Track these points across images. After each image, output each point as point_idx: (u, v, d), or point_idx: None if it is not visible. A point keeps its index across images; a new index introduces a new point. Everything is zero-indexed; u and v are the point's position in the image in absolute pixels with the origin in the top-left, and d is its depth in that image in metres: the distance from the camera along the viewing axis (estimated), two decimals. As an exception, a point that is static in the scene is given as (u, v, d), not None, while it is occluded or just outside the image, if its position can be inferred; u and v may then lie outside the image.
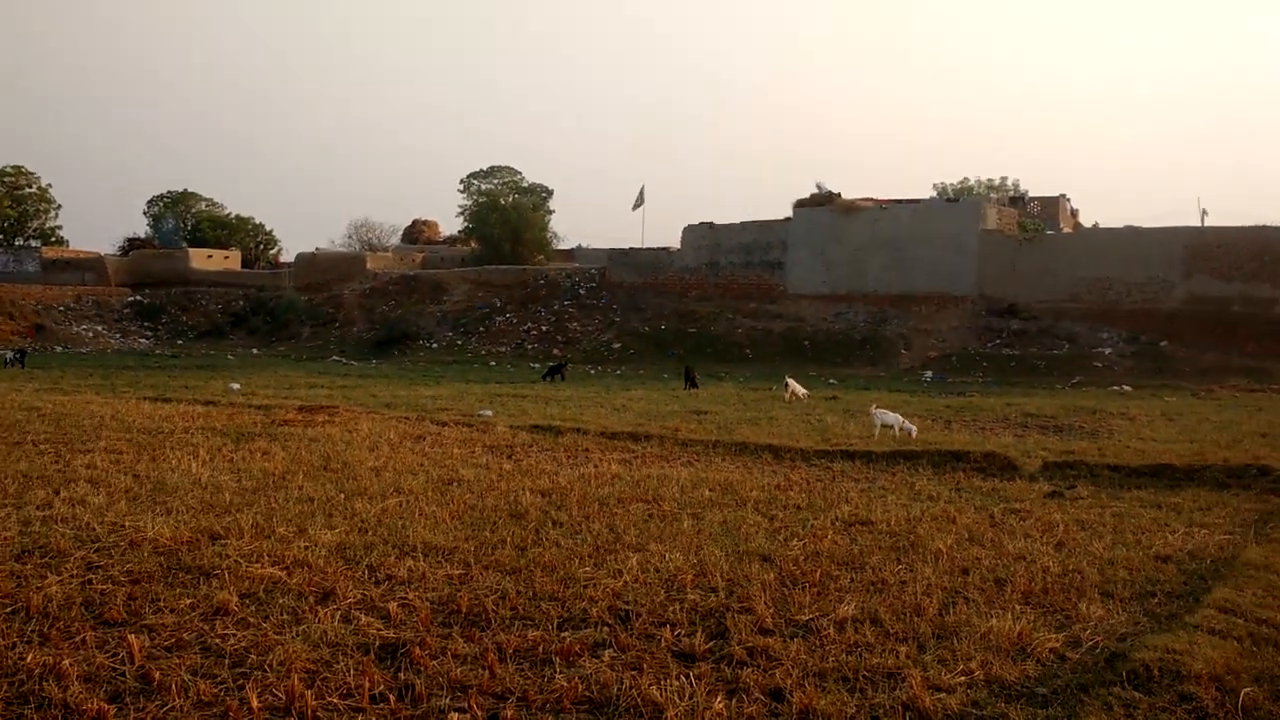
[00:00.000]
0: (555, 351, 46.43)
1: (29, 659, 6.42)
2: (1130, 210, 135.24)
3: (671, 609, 7.71)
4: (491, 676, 6.36)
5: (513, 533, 10.04)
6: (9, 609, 7.48)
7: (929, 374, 38.62)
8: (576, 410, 22.31)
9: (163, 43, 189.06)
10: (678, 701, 6.00)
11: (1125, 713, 5.86)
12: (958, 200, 50.86)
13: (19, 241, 77.46)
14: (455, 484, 12.78)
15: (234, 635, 7.01)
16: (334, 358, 47.82)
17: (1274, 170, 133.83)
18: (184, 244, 76.28)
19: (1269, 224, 39.94)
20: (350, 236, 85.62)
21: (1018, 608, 7.85)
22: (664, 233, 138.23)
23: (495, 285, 55.84)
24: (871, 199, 48.29)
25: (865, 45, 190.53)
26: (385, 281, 58.73)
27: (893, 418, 18.26)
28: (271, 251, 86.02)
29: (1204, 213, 49.44)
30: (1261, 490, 13.35)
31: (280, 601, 7.72)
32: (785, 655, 6.78)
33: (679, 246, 52.27)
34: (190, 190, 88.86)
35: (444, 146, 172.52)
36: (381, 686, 6.20)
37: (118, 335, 56.29)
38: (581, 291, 53.64)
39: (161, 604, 7.65)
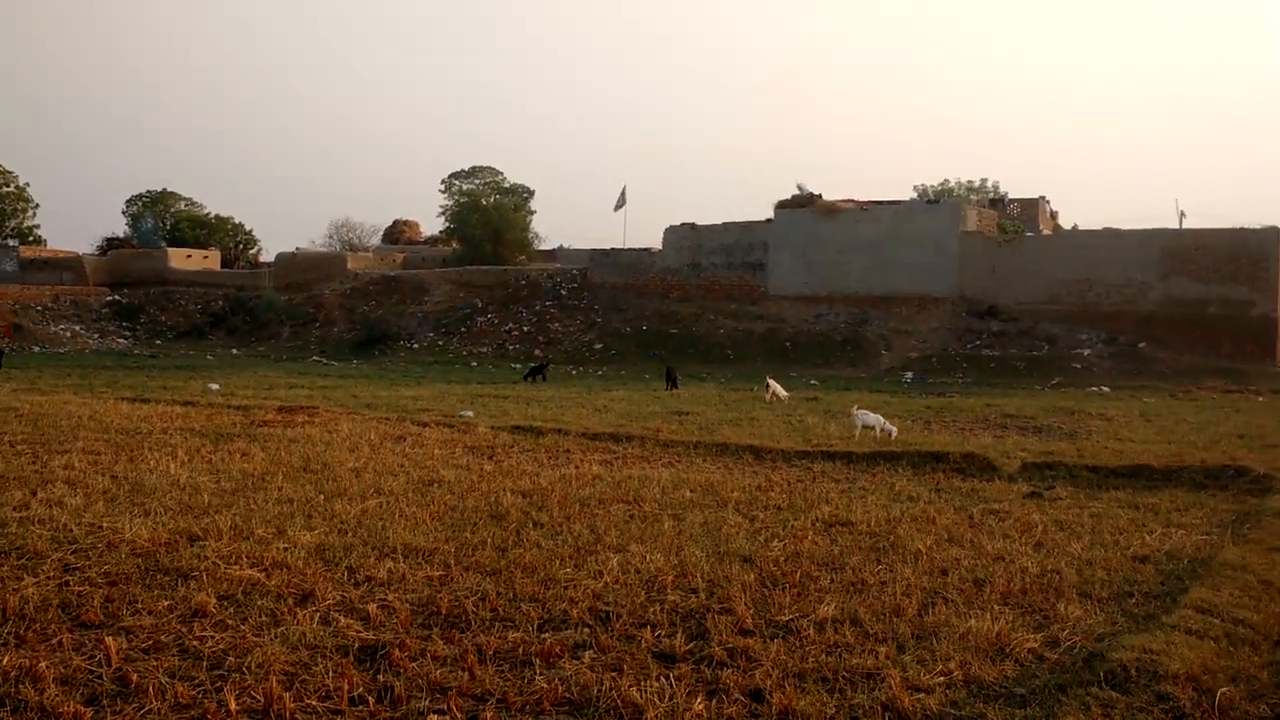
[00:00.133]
0: (537, 352, 46.39)
1: (5, 661, 6.37)
2: (1109, 212, 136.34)
3: (652, 610, 7.71)
4: (471, 678, 6.35)
5: (493, 534, 10.03)
6: (-15, 611, 7.42)
7: (909, 375, 38.76)
8: (558, 411, 22.29)
9: (142, 41, 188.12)
10: (658, 703, 6.00)
11: (1103, 713, 5.89)
12: (938, 202, 51.03)
13: (-4, 241, 76.92)
14: (436, 485, 12.75)
15: (212, 637, 6.98)
16: (314, 358, 47.65)
17: (1251, 172, 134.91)
18: (163, 244, 75.82)
19: (1245, 226, 40.21)
20: (331, 236, 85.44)
21: (996, 608, 7.88)
22: (646, 233, 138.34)
23: (477, 286, 55.74)
24: (852, 200, 48.43)
25: (846, 46, 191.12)
26: (366, 282, 58.55)
27: (874, 419, 18.32)
28: (251, 251, 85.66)
29: (1182, 215, 49.66)
30: (1238, 491, 13.45)
31: (259, 603, 7.69)
32: (765, 656, 6.79)
33: (660, 247, 52.28)
34: (169, 190, 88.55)
35: (425, 146, 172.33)
36: (361, 688, 6.18)
37: (96, 335, 55.93)
38: (563, 292, 53.60)
39: (139, 606, 7.61)
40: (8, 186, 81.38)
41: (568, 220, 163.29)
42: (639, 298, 50.88)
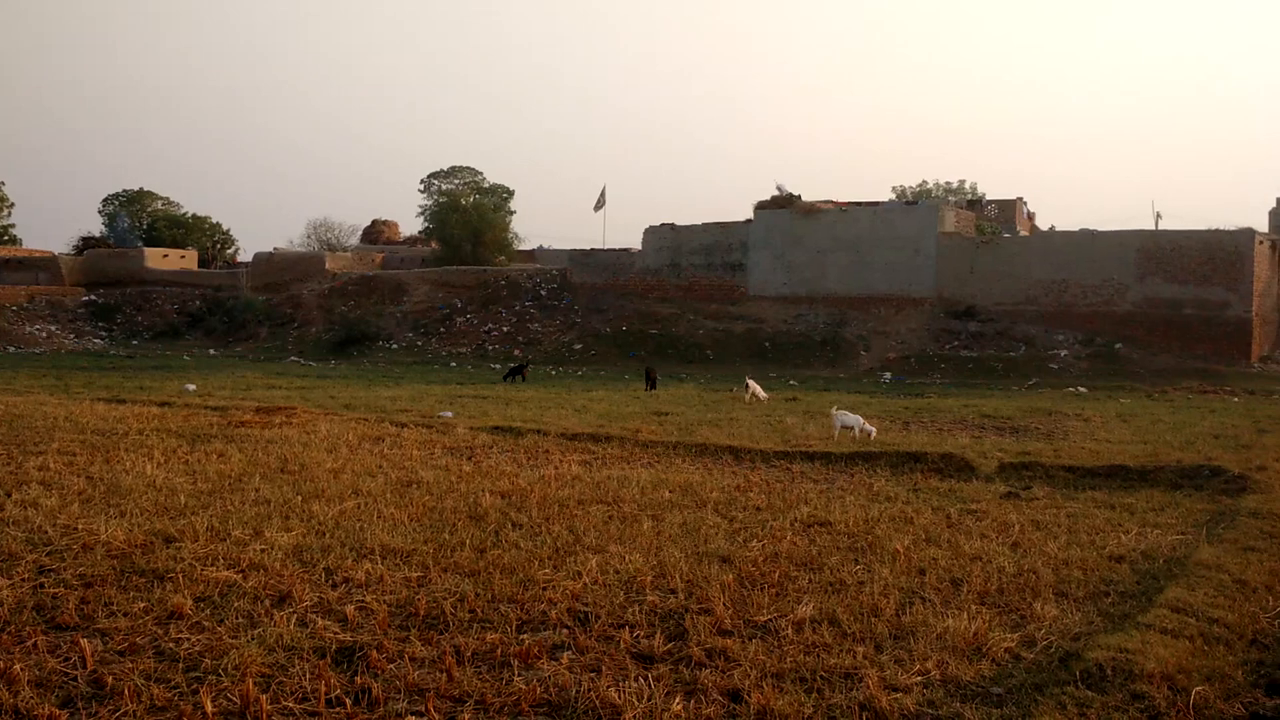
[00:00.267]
0: (516, 352, 46.31)
1: (-22, 664, 6.33)
2: (1086, 213, 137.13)
3: (631, 611, 7.72)
4: (449, 679, 6.34)
5: (472, 535, 10.02)
6: (-42, 614, 7.36)
7: (888, 375, 38.87)
8: (537, 411, 22.26)
9: (118, 39, 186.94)
10: (636, 703, 6.01)
11: (1079, 712, 5.93)
12: (916, 203, 51.11)
13: (-30, 241, 76.27)
14: (414, 486, 12.73)
15: (188, 639, 6.95)
16: (292, 358, 47.43)
17: (1226, 174, 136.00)
18: (139, 243, 75.33)
19: (1221, 227, 40.50)
20: (309, 236, 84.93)
21: (974, 608, 7.92)
22: (625, 234, 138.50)
23: (456, 286, 55.57)
24: (831, 201, 48.53)
25: (826, 48, 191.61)
26: (344, 282, 58.30)
27: (853, 419, 18.36)
28: (229, 251, 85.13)
29: (1158, 216, 50.18)
30: (1214, 491, 13.53)
31: (235, 605, 7.67)
32: (743, 656, 6.81)
33: (640, 248, 52.27)
34: (146, 189, 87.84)
35: (404, 146, 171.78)
36: (338, 690, 6.17)
37: (72, 335, 55.50)
38: (543, 292, 53.51)
39: (114, 608, 7.58)
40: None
41: (548, 221, 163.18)
42: (619, 298, 50.85)
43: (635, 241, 53.31)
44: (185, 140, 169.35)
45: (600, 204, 61.26)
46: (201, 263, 72.78)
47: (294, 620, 7.35)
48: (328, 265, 61.78)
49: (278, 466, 13.87)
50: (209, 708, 5.86)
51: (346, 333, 51.15)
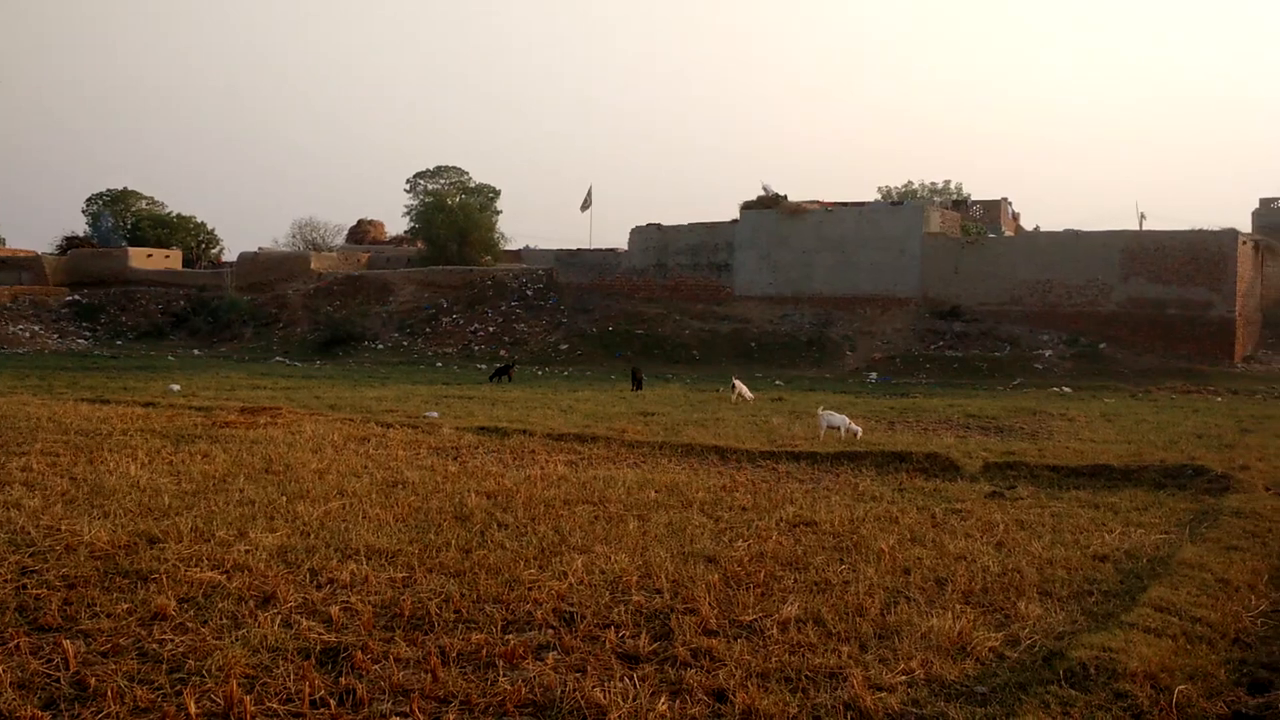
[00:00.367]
0: (502, 352, 46.24)
1: (-40, 666, 6.30)
2: (1070, 214, 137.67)
3: (616, 611, 7.72)
4: (434, 680, 6.33)
5: (457, 535, 10.01)
6: (-61, 615, 7.32)
7: (873, 375, 38.94)
8: (523, 411, 22.24)
9: (102, 38, 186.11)
10: (621, 703, 6.01)
11: (1062, 710, 5.95)
12: (901, 203, 51.22)
13: (-47, 240, 75.80)
14: (400, 486, 12.71)
15: (172, 640, 6.93)
16: (277, 358, 47.28)
17: (1210, 174, 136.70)
18: (123, 243, 74.95)
19: (1204, 228, 40.70)
20: (294, 236, 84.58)
21: (958, 607, 7.95)
22: (612, 234, 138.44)
23: (442, 286, 55.47)
24: (817, 201, 48.59)
25: (813, 49, 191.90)
26: (330, 282, 58.13)
27: (839, 419, 18.40)
28: (213, 251, 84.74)
29: (1142, 216, 50.44)
30: (1197, 490, 13.60)
31: (219, 606, 7.64)
32: (729, 656, 6.82)
33: (626, 248, 52.26)
34: (130, 188, 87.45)
35: (390, 146, 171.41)
36: (322, 691, 6.16)
37: (55, 335, 55.19)
38: (529, 292, 53.45)
39: (98, 609, 7.55)
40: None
41: (534, 221, 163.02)
42: (605, 298, 50.83)
43: (621, 242, 53.35)
44: (170, 140, 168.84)
45: (587, 204, 61.24)
46: (186, 262, 72.45)
47: (278, 621, 7.33)
48: (313, 265, 61.59)
49: (262, 467, 13.83)
50: (192, 709, 5.84)
51: (332, 333, 50.99)
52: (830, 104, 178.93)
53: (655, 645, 7.03)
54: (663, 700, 6.08)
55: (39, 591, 7.92)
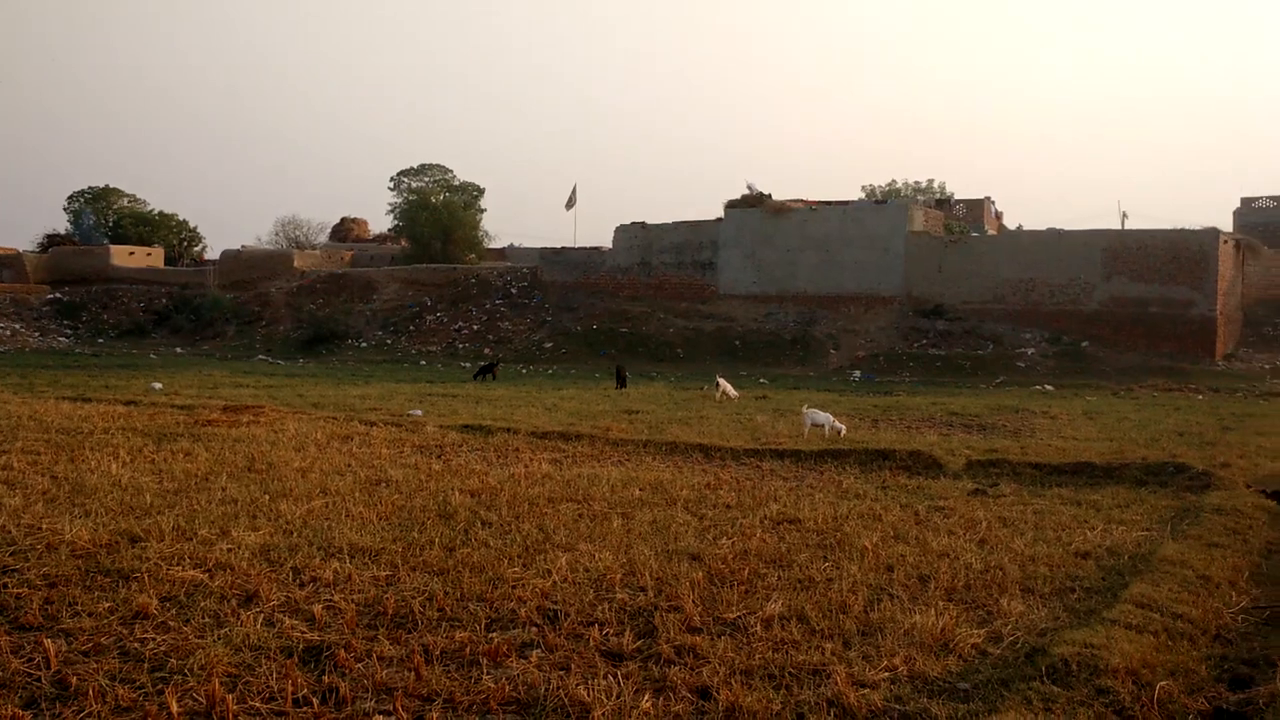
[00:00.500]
0: (486, 351, 46.18)
1: (-60, 666, 6.26)
2: (1053, 213, 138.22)
3: (600, 608, 7.72)
4: (418, 678, 6.32)
5: (441, 533, 9.99)
6: (-82, 615, 7.27)
7: (857, 373, 39.03)
8: (507, 410, 22.22)
9: (83, 35, 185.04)
10: (605, 701, 6.01)
11: (1044, 706, 5.97)
12: (885, 202, 51.37)
13: (-67, 238, 75.19)
14: (383, 484, 12.68)
15: (154, 639, 6.90)
16: (260, 357, 47.12)
17: (1191, 174, 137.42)
18: (105, 241, 74.57)
19: (1185, 227, 40.93)
20: (277, 234, 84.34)
21: (941, 604, 7.97)
22: (596, 232, 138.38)
23: (426, 284, 55.38)
24: (801, 200, 48.67)
25: (797, 48, 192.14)
26: (313, 280, 57.97)
27: (823, 417, 18.43)
28: (196, 249, 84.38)
29: (1124, 215, 50.66)
30: (1178, 488, 13.68)
31: (202, 604, 7.61)
32: (713, 653, 6.82)
33: (611, 246, 52.25)
34: (112, 186, 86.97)
35: (374, 144, 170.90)
36: (305, 690, 6.13)
37: (36, 334, 54.87)
38: (513, 291, 53.40)
39: (79, 608, 7.51)
40: (-56, 182, 79.56)
41: (518, 219, 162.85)
42: (589, 296, 50.82)
43: (606, 240, 53.34)
44: (152, 137, 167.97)
45: (571, 202, 61.24)
46: (168, 260, 72.15)
47: (261, 620, 7.30)
48: (296, 263, 61.42)
49: (245, 465, 13.78)
50: (174, 708, 5.81)
51: (315, 331, 50.86)
52: (815, 103, 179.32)
53: (639, 643, 7.03)
54: (646, 698, 6.08)
55: (20, 590, 7.87)
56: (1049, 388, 33.28)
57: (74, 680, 6.18)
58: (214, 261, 66.62)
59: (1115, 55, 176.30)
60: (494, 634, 7.13)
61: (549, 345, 47.03)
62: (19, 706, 5.84)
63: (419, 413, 20.83)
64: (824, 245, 45.83)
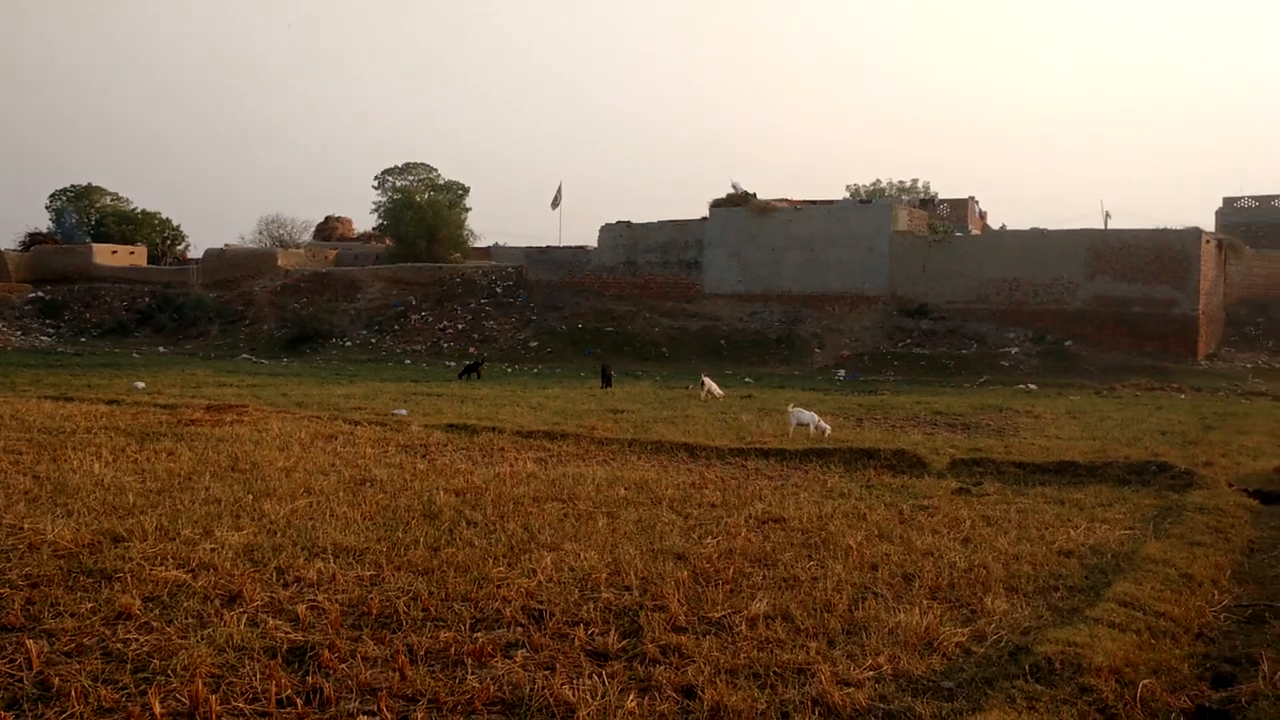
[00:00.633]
0: (471, 350, 46.11)
1: (-80, 667, 6.21)
2: (1037, 213, 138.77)
3: (585, 608, 7.72)
4: (402, 679, 6.30)
5: (426, 533, 9.97)
6: (-102, 616, 7.22)
7: (842, 373, 39.10)
8: (492, 409, 22.19)
9: (66, 32, 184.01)
10: (590, 700, 6.01)
11: (1028, 705, 5.99)
12: (870, 202, 51.47)
13: (-87, 235, 74.76)
14: (368, 484, 12.65)
15: (136, 640, 6.86)
16: (244, 356, 46.95)
17: (1174, 174, 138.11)
18: (88, 239, 74.16)
19: (1168, 226, 41.14)
20: (261, 233, 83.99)
21: (925, 603, 7.99)
22: (582, 231, 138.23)
23: (410, 283, 55.27)
24: (786, 199, 48.74)
25: (781, 47, 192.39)
26: (297, 279, 57.79)
27: (808, 416, 18.47)
28: (179, 247, 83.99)
29: (1107, 215, 50.89)
30: (1161, 486, 13.75)
31: (185, 605, 7.58)
32: (698, 653, 6.82)
33: (596, 245, 52.24)
34: (94, 184, 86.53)
35: (358, 142, 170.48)
36: (289, 690, 6.11)
37: (18, 333, 54.54)
38: (498, 290, 53.34)
39: (61, 608, 7.47)
40: (-75, 180, 79.04)
41: (503, 218, 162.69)
42: (575, 296, 50.80)
43: (591, 239, 53.30)
44: (135, 136, 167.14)
45: (557, 201, 61.24)
46: (151, 259, 71.83)
47: (244, 620, 7.27)
48: (280, 262, 61.24)
49: (228, 465, 13.73)
50: (157, 709, 5.78)
51: (299, 330, 50.71)
52: (800, 102, 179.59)
53: (624, 642, 7.03)
54: (631, 697, 6.08)
55: (1, 591, 7.83)
56: (1032, 387, 33.41)
57: (56, 681, 6.15)
58: (197, 260, 66.34)
59: (1102, 55, 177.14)
60: (479, 634, 7.11)
61: (534, 344, 47.00)
62: (1, 708, 5.81)
63: (404, 412, 20.78)
64: (809, 244, 45.91)
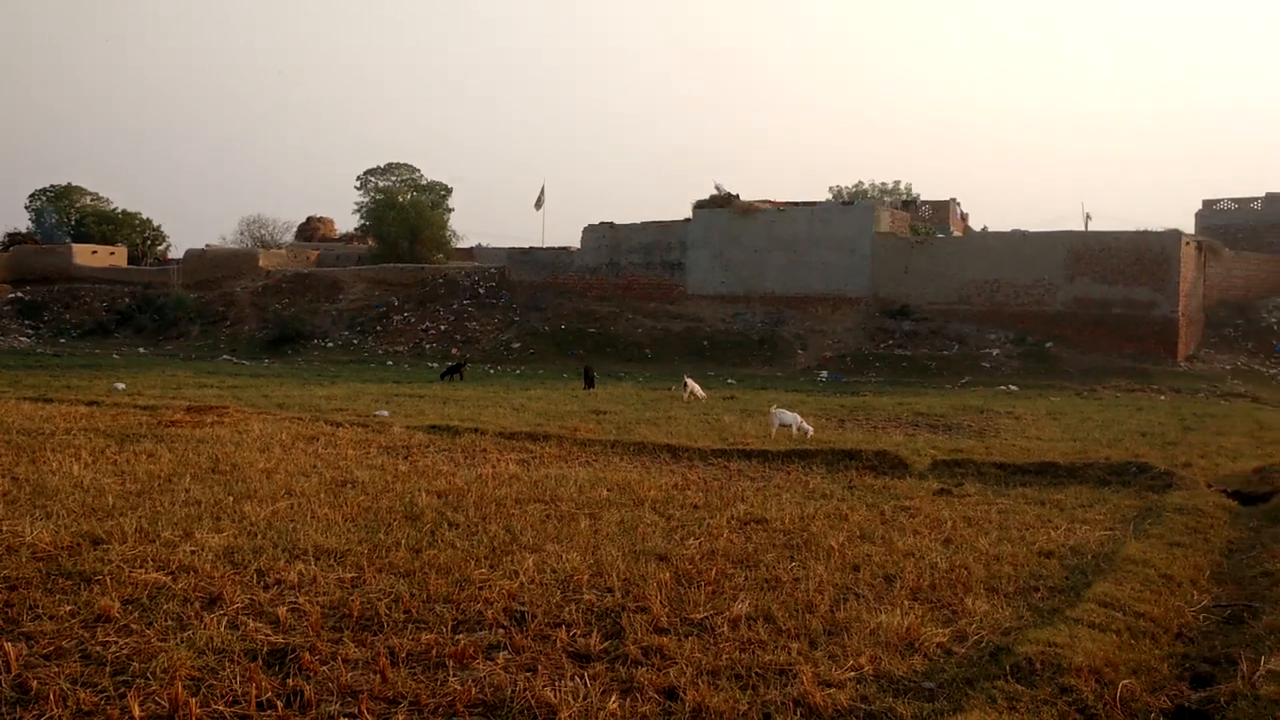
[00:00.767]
0: (454, 351, 46.03)
1: (-104, 671, 6.16)
2: (1018, 214, 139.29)
3: (567, 609, 7.70)
4: (383, 681, 6.28)
5: (408, 535, 9.94)
6: (-126, 619, 7.16)
7: (824, 374, 39.20)
8: (475, 410, 22.16)
9: (45, 31, 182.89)
10: (572, 702, 6.00)
11: (1008, 705, 6.01)
12: (852, 203, 51.58)
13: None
14: (349, 486, 12.60)
15: (116, 642, 6.82)
16: (225, 357, 46.75)
17: (1154, 176, 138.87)
18: (67, 239, 73.72)
19: (1148, 228, 41.37)
20: (242, 233, 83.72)
21: (906, 603, 8.01)
22: (565, 232, 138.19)
23: (393, 284, 55.13)
24: (769, 201, 48.81)
25: (765, 48, 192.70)
26: (279, 279, 57.58)
27: (790, 417, 18.50)
28: (159, 248, 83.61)
29: (1088, 217, 51.07)
30: (1141, 487, 13.82)
31: (164, 607, 7.53)
32: (680, 654, 6.82)
33: (579, 246, 52.21)
34: (74, 184, 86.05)
35: (340, 142, 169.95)
36: (269, 693, 6.08)
37: (-3, 333, 54.25)
38: (481, 291, 53.25)
39: (40, 611, 7.42)
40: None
41: (486, 219, 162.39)
42: (558, 297, 50.76)
43: (574, 240, 53.29)
44: (115, 135, 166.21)
45: (540, 202, 61.16)
46: (132, 260, 71.46)
47: (224, 622, 7.23)
48: (261, 262, 61.01)
49: (209, 467, 13.66)
50: (137, 712, 5.75)
51: (280, 331, 50.51)
52: (783, 103, 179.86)
53: (606, 644, 7.03)
54: (613, 699, 6.07)
55: (-22, 594, 7.77)
56: (1013, 388, 33.55)
57: (35, 684, 6.10)
58: (178, 261, 66.05)
59: (1082, 58, 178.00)
60: (461, 636, 7.10)
61: (517, 345, 46.94)
62: (-22, 711, 5.77)
63: (385, 413, 20.73)
64: (791, 246, 45.99)
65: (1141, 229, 41.37)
